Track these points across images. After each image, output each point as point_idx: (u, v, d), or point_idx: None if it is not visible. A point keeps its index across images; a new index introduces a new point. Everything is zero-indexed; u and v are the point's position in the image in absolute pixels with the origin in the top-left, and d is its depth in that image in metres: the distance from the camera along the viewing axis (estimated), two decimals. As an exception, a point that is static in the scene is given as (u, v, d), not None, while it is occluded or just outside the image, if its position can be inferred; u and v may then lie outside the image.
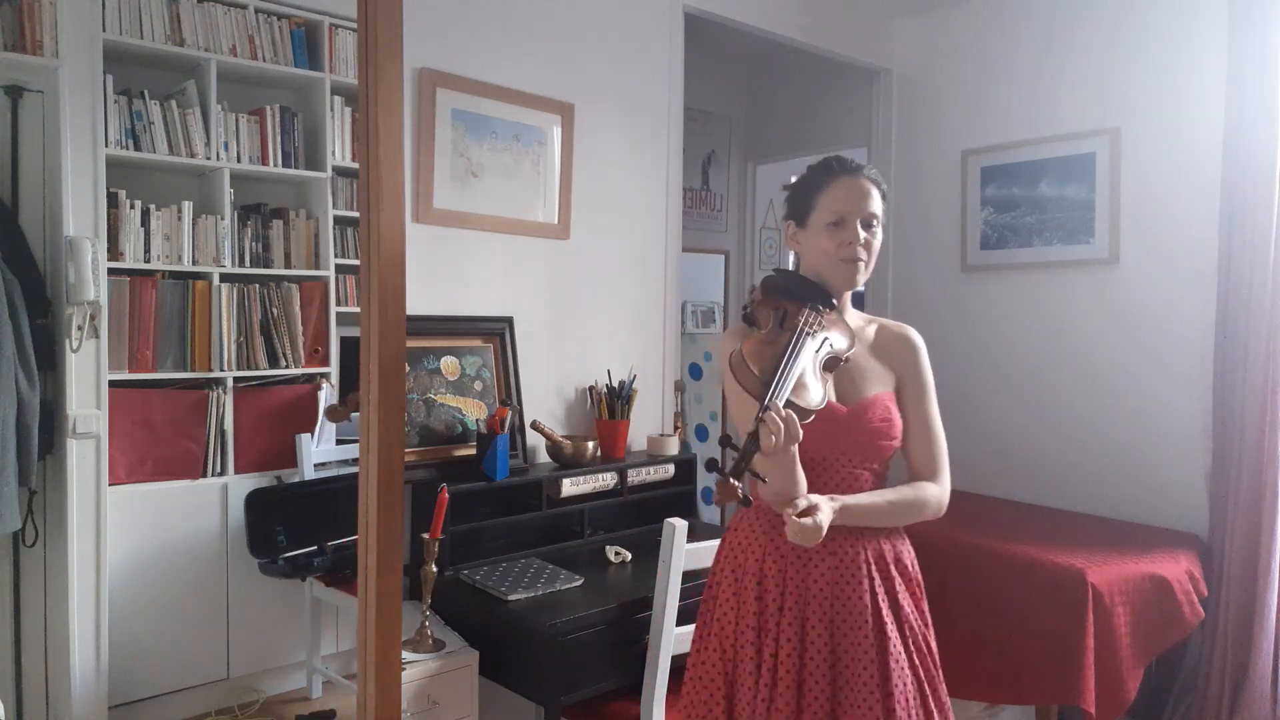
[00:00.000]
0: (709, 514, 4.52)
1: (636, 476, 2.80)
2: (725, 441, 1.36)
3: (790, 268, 1.80)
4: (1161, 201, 3.11)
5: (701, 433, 4.64)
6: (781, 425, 1.33)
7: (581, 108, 2.90)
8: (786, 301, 1.58)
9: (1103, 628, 2.39)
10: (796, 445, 1.40)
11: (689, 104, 3.33)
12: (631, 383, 2.89)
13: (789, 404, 1.38)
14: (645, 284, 3.12)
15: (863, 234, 1.60)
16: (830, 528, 1.50)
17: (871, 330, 1.71)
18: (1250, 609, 2.75)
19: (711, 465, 1.32)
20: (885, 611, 1.58)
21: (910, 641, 1.60)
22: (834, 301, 1.63)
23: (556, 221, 2.86)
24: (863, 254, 1.61)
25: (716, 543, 2.10)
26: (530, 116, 2.77)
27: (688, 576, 2.05)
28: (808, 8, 3.52)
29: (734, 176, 4.77)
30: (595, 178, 2.96)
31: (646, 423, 3.08)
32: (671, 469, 2.89)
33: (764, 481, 1.43)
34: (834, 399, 1.59)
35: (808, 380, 1.44)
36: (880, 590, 1.59)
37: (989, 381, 3.57)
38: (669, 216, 3.18)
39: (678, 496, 2.90)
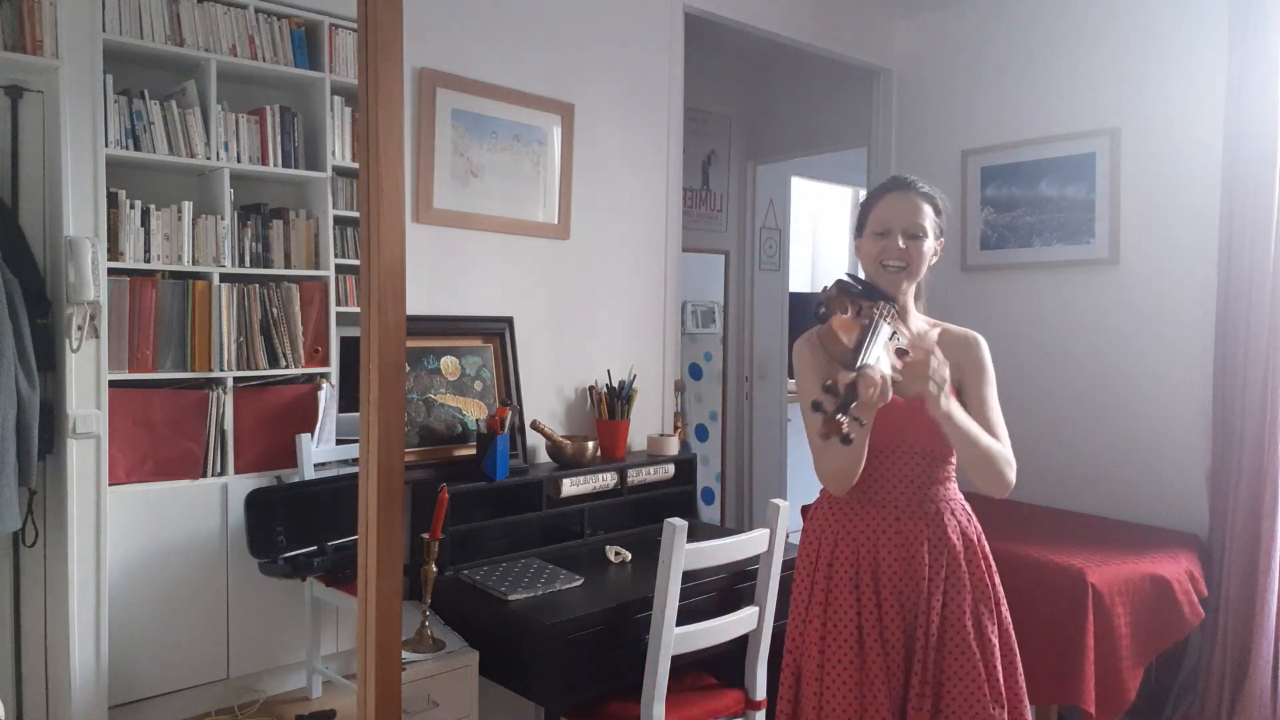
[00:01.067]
0: (709, 514, 4.52)
1: (636, 476, 2.80)
2: (829, 389, 1.47)
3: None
4: (1161, 201, 3.11)
5: (701, 433, 4.64)
6: (878, 380, 1.49)
7: (581, 108, 2.90)
8: (860, 299, 1.72)
9: (1103, 628, 2.39)
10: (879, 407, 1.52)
11: (689, 104, 3.33)
12: (631, 383, 2.89)
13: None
14: (645, 284, 3.12)
15: (903, 243, 1.73)
16: (896, 509, 1.72)
17: (935, 333, 1.82)
18: (1250, 609, 2.75)
19: (817, 406, 1.45)
20: (947, 588, 1.71)
21: (975, 616, 1.70)
22: (895, 305, 1.76)
23: (556, 221, 2.86)
24: (900, 260, 1.74)
25: (716, 543, 2.12)
26: (530, 116, 2.77)
27: (688, 576, 2.05)
28: (808, 8, 3.52)
29: (734, 176, 4.77)
30: (595, 178, 2.96)
31: (646, 423, 3.08)
32: (671, 469, 2.89)
33: (863, 425, 1.50)
34: (898, 391, 1.70)
35: (885, 361, 1.58)
36: (943, 568, 1.71)
37: (989, 381, 3.56)
38: (669, 216, 3.18)
39: (678, 496, 2.90)
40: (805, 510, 1.90)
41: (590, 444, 2.71)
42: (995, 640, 1.71)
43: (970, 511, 1.81)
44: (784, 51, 3.78)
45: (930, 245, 1.77)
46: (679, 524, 2.00)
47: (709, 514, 4.52)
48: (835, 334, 1.61)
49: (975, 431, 1.67)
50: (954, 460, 1.78)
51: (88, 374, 2.47)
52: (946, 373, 1.61)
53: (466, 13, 2.63)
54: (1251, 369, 2.78)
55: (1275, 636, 2.73)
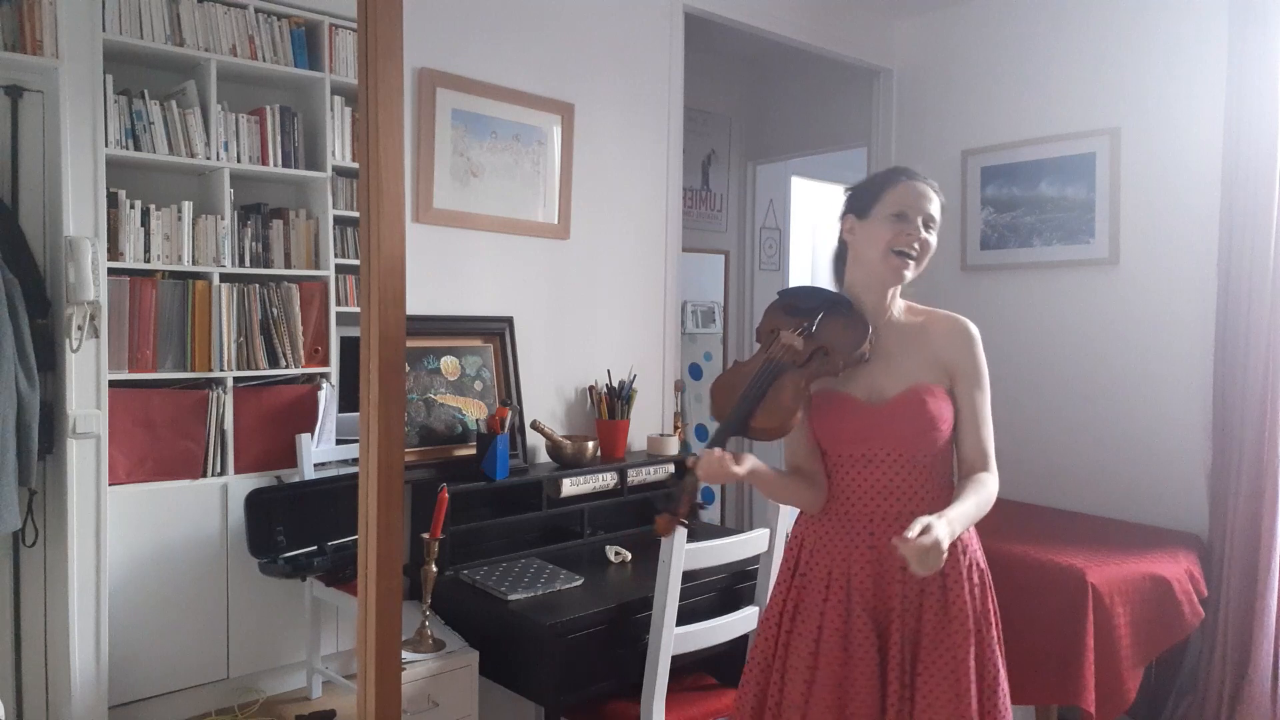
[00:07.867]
0: (709, 514, 4.52)
1: (636, 476, 2.80)
2: (678, 470, 1.49)
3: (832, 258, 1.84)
4: (1161, 201, 3.10)
5: (701, 432, 4.64)
6: (713, 463, 1.55)
7: (581, 108, 2.90)
8: (783, 319, 1.70)
9: (1103, 628, 2.39)
10: (743, 470, 1.59)
11: (689, 104, 3.33)
12: (631, 383, 2.89)
13: (754, 430, 1.60)
14: (645, 284, 3.12)
15: (922, 232, 1.67)
16: (869, 523, 1.64)
17: (921, 320, 1.75)
18: (1250, 609, 2.75)
19: (662, 500, 1.44)
20: (927, 607, 1.61)
21: (958, 634, 1.59)
22: (848, 302, 1.71)
23: (556, 221, 2.86)
24: (916, 248, 1.67)
25: (716, 543, 2.13)
26: (530, 116, 2.77)
27: (688, 576, 2.06)
28: (808, 8, 3.52)
29: (734, 176, 4.77)
30: (595, 178, 2.96)
31: (646, 423, 3.07)
32: (672, 469, 2.89)
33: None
34: (865, 397, 1.67)
35: (778, 404, 1.57)
36: (921, 591, 1.61)
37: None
38: (669, 216, 3.18)
39: (678, 496, 2.89)
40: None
41: (590, 444, 2.71)
42: (971, 663, 1.59)
43: (970, 529, 1.69)
44: (784, 51, 3.78)
45: (934, 240, 1.71)
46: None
47: (709, 514, 4.52)
48: (713, 396, 1.60)
49: (970, 509, 1.59)
50: (940, 466, 1.68)
51: (88, 374, 2.47)
52: (944, 536, 1.43)
53: (466, 13, 2.63)
54: (1251, 369, 2.78)
55: (1275, 636, 2.73)
